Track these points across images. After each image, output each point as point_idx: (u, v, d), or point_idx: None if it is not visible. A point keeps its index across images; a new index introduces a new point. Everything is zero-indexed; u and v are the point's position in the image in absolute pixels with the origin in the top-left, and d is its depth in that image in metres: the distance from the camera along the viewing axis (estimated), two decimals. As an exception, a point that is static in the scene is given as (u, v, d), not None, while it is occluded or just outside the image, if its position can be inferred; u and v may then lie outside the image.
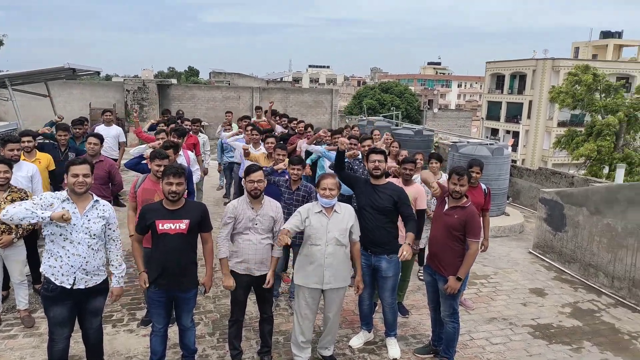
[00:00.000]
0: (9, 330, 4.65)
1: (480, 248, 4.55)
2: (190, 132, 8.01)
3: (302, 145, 7.71)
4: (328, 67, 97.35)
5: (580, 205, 6.79)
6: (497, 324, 5.29)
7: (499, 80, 45.87)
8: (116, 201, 7.64)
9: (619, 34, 50.23)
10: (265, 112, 10.28)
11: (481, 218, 4.90)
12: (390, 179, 4.93)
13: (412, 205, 4.85)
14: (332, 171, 4.80)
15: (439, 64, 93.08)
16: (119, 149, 8.61)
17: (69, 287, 3.48)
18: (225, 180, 9.84)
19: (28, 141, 5.66)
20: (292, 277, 4.35)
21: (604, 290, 6.28)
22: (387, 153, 5.06)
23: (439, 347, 4.47)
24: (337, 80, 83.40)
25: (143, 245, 3.94)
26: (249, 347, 4.52)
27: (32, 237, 5.03)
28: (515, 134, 41.07)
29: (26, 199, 4.18)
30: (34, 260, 5.09)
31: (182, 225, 3.69)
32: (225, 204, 8.60)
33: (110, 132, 8.34)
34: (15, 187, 4.62)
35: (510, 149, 11.26)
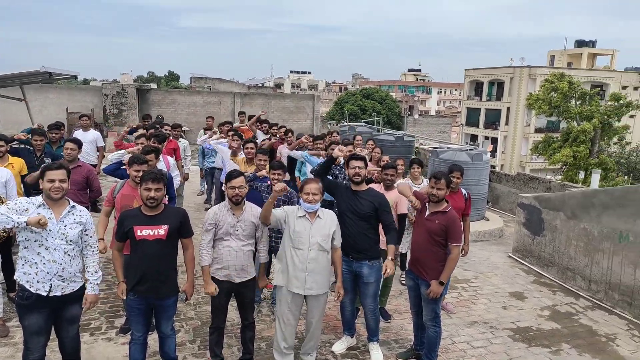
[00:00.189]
0: (-19, 341, 4.50)
1: (461, 252, 4.60)
2: (171, 137, 7.93)
3: (283, 151, 7.70)
4: (310, 72, 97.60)
5: (558, 210, 6.92)
6: (478, 328, 5.33)
7: (477, 87, 46.59)
8: (94, 207, 7.49)
9: (593, 43, 51.51)
10: (249, 117, 10.19)
11: (462, 223, 4.95)
12: (372, 185, 4.95)
13: (393, 209, 4.88)
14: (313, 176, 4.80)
15: (419, 70, 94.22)
16: (98, 153, 8.47)
17: (44, 294, 3.39)
18: (206, 185, 9.75)
19: (0, 146, 5.53)
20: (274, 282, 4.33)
21: (581, 293, 6.40)
22: (369, 159, 5.08)
23: (421, 351, 4.49)
24: (318, 86, 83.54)
25: (123, 253, 3.87)
26: (231, 354, 4.46)
27: (6, 244, 4.89)
28: (494, 140, 41.76)
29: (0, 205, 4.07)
30: (8, 267, 4.95)
31: (161, 230, 3.63)
32: (207, 209, 8.53)
33: (87, 137, 8.20)
34: (-11, 193, 4.50)
35: (489, 154, 11.43)
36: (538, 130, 39.21)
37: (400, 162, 6.14)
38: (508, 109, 41.80)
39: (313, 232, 3.99)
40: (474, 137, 45.32)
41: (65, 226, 3.44)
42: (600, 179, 18.70)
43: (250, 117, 9.80)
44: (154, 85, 28.26)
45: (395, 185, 5.20)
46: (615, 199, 6.08)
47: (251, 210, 4.10)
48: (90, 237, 3.62)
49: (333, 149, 6.24)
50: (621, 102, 26.74)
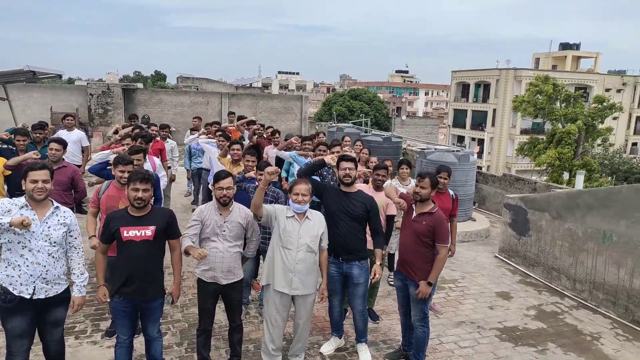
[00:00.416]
0: (-38, 345, 4.41)
1: (448, 253, 4.63)
2: (158, 138, 7.85)
3: (270, 152, 7.67)
4: (298, 73, 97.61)
5: (543, 211, 7.00)
6: (465, 328, 5.36)
7: (464, 89, 47.03)
8: (79, 208, 7.38)
9: (577, 46, 52.27)
10: (239, 118, 10.11)
11: (449, 223, 4.98)
12: (360, 185, 4.95)
13: (382, 210, 4.89)
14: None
15: (407, 72, 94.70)
16: (83, 153, 8.36)
17: (28, 297, 3.33)
18: (193, 186, 9.67)
19: None
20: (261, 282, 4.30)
21: (566, 293, 6.48)
22: (357, 160, 5.08)
23: (410, 351, 4.50)
24: (306, 87, 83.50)
25: (109, 255, 3.80)
26: (218, 357, 4.43)
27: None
28: (481, 141, 42.13)
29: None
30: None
31: (148, 231, 3.59)
32: (194, 210, 8.46)
33: (71, 137, 8.07)
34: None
35: (476, 155, 11.53)
36: (524, 132, 39.71)
37: (388, 162, 6.15)
38: (494, 110, 42.26)
39: (302, 233, 3.98)
40: (460, 138, 45.72)
41: (49, 227, 3.38)
42: (585, 180, 18.96)
43: (240, 118, 9.75)
44: (140, 85, 27.98)
45: (385, 185, 5.21)
46: (599, 199, 6.16)
47: (239, 212, 4.07)
48: (75, 238, 3.56)
49: (321, 150, 6.27)
50: (604, 104, 27.16)
